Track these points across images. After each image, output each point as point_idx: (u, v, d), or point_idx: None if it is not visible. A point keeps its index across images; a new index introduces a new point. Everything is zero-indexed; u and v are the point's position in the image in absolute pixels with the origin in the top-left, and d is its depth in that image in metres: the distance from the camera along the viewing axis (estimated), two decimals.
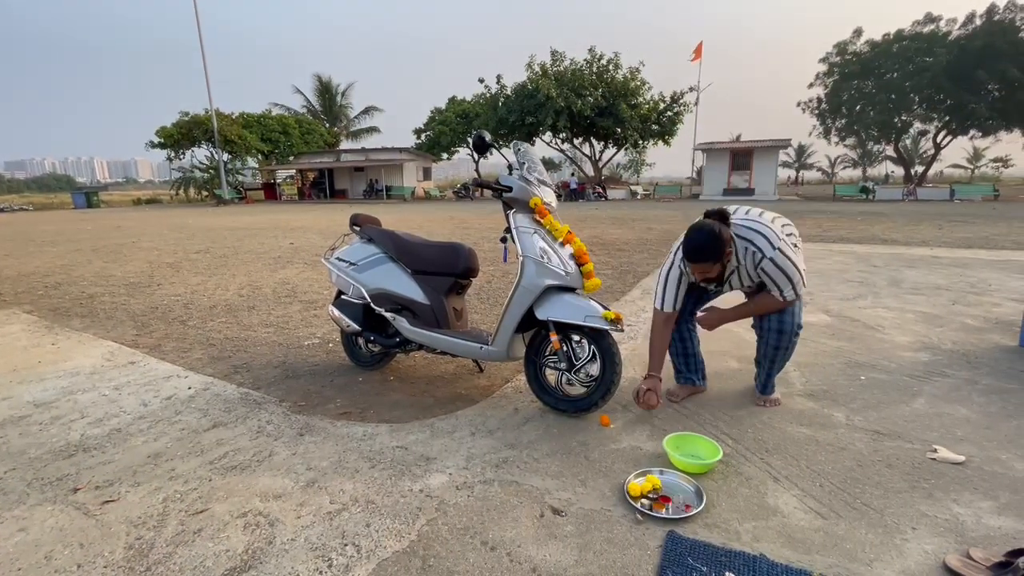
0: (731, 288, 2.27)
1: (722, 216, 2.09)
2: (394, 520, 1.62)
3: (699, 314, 2.40)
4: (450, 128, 32.90)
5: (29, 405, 2.56)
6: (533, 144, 21.41)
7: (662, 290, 2.26)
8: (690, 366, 2.50)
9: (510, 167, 2.35)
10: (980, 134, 27.70)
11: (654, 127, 28.47)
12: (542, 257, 2.18)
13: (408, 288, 2.64)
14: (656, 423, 2.23)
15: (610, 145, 30.11)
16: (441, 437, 2.16)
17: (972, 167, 51.80)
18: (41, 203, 33.45)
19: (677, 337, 2.45)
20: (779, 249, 2.07)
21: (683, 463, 1.84)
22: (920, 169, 32.99)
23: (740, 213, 2.19)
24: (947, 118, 27.20)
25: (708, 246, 2.01)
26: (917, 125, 29.61)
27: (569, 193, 26.21)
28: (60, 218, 18.66)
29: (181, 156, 29.78)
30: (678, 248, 2.20)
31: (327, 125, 37.47)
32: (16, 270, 6.72)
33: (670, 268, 2.24)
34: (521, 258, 2.22)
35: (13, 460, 2.04)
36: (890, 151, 33.80)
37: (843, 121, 30.10)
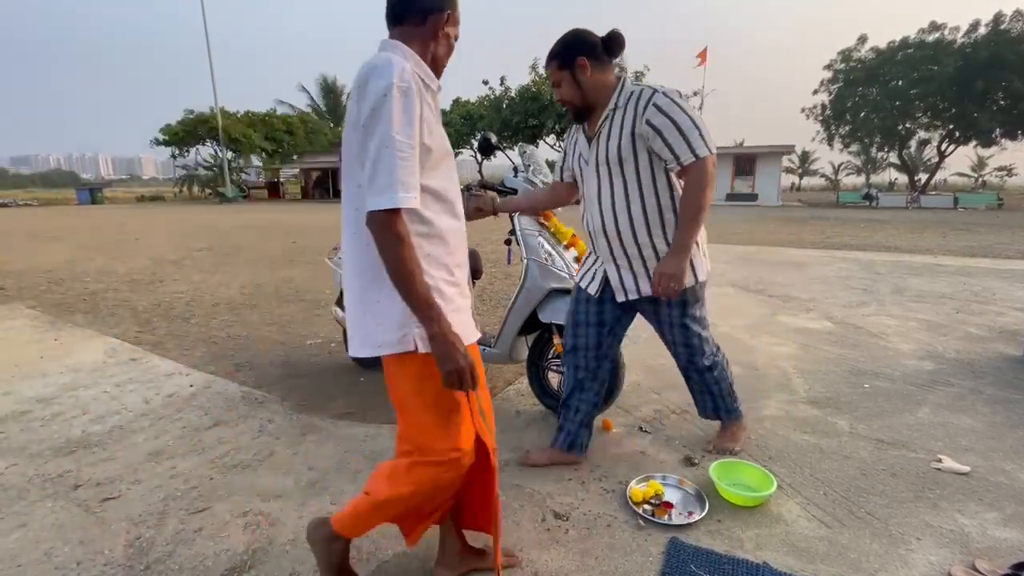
0: (599, 148, 1.72)
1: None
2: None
3: (651, 284, 1.71)
4: (454, 129, 32.88)
5: (31, 400, 2.56)
6: (537, 146, 21.46)
7: None
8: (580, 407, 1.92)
9: (515, 169, 2.35)
10: (983, 144, 27.64)
11: None
12: (546, 260, 2.18)
13: None
14: (659, 429, 2.22)
15: None
16: None
17: (976, 175, 51.68)
18: (46, 199, 33.58)
19: (582, 365, 1.89)
20: (670, 95, 1.64)
21: (731, 494, 1.68)
22: (924, 177, 32.93)
23: None
24: (951, 127, 27.16)
25: (562, 40, 1.68)
26: (921, 133, 29.58)
27: None
28: (64, 214, 18.71)
29: (185, 154, 29.92)
30: None
31: (332, 125, 37.55)
32: (20, 265, 6.74)
33: None
34: (525, 260, 2.22)
35: (14, 456, 2.04)
36: (894, 158, 33.78)
37: (847, 128, 30.05)
